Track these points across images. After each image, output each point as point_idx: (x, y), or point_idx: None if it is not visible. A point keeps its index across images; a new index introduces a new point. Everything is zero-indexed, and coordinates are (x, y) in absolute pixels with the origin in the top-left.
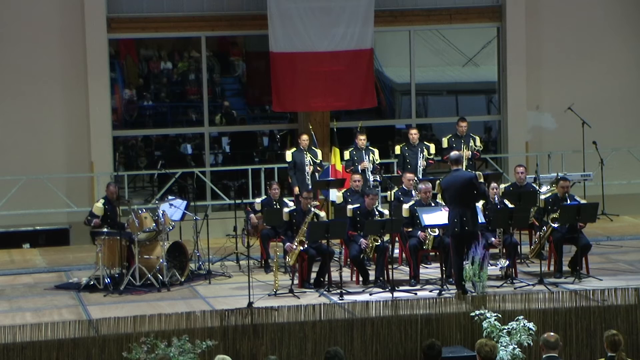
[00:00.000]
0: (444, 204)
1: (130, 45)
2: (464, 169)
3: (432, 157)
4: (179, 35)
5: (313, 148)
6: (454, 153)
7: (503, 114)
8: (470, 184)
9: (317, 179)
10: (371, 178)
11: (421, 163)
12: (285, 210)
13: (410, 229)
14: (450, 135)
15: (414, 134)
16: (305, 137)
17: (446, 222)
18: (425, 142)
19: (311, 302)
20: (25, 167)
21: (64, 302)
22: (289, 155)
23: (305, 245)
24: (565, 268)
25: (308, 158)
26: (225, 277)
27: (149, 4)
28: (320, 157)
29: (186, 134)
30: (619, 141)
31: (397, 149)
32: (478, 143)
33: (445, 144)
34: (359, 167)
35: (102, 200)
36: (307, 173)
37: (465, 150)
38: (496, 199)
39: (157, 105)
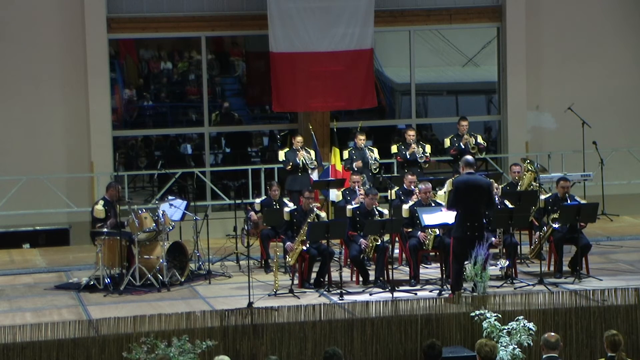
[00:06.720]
0: (445, 202)
1: (130, 45)
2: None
3: (428, 154)
4: (179, 35)
5: (307, 149)
6: (467, 157)
7: (503, 114)
8: (485, 191)
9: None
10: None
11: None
12: (286, 210)
13: (410, 229)
14: (452, 135)
15: (411, 134)
16: (299, 138)
17: (446, 221)
18: (420, 142)
19: (311, 302)
20: (25, 167)
21: (64, 302)
22: (281, 154)
23: (307, 245)
24: (565, 268)
25: (301, 158)
26: (225, 277)
27: (149, 4)
28: (313, 157)
29: (186, 134)
30: (619, 141)
31: (394, 148)
32: (480, 140)
33: (447, 144)
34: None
35: (101, 202)
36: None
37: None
38: (496, 199)
39: (157, 105)
